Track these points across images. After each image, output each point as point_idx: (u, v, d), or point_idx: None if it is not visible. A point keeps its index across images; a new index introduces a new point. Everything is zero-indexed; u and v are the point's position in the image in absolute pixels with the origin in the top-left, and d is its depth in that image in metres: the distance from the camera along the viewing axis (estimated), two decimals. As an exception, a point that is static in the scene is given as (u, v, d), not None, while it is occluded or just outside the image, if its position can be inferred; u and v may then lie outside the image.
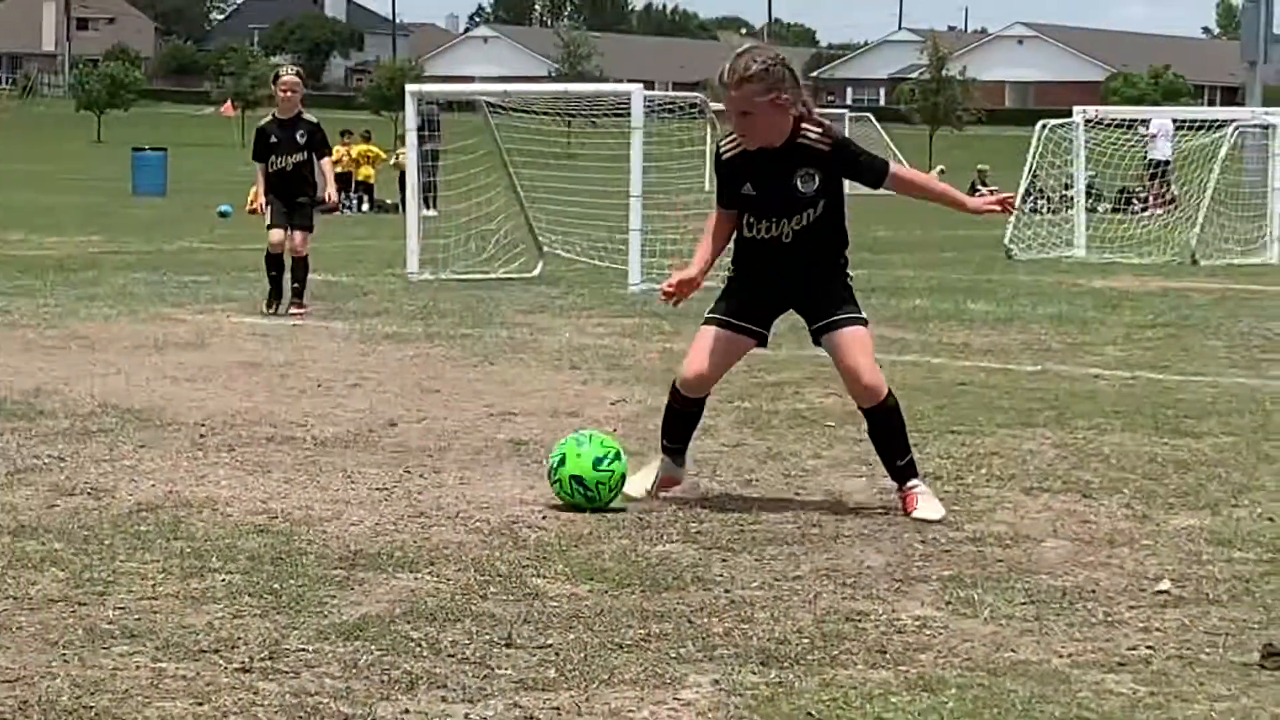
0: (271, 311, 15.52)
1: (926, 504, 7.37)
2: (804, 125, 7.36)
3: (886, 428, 7.49)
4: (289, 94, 16.25)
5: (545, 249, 21.57)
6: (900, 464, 7.48)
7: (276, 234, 15.96)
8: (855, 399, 7.53)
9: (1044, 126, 27.84)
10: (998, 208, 7.66)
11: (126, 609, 5.72)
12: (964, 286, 19.75)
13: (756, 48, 7.40)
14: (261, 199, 16.51)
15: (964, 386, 11.33)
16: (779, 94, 7.23)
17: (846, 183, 7.46)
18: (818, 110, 7.56)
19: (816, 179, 7.35)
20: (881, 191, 7.74)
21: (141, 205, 40.09)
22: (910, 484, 7.45)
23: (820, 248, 7.45)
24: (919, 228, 34.04)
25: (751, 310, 7.53)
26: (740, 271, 7.59)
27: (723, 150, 7.54)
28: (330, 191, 16.44)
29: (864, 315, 7.52)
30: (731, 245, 7.63)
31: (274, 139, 16.13)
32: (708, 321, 7.60)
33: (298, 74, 16.79)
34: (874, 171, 7.49)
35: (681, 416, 7.72)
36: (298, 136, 16.08)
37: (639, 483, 7.68)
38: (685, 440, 7.78)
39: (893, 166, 7.58)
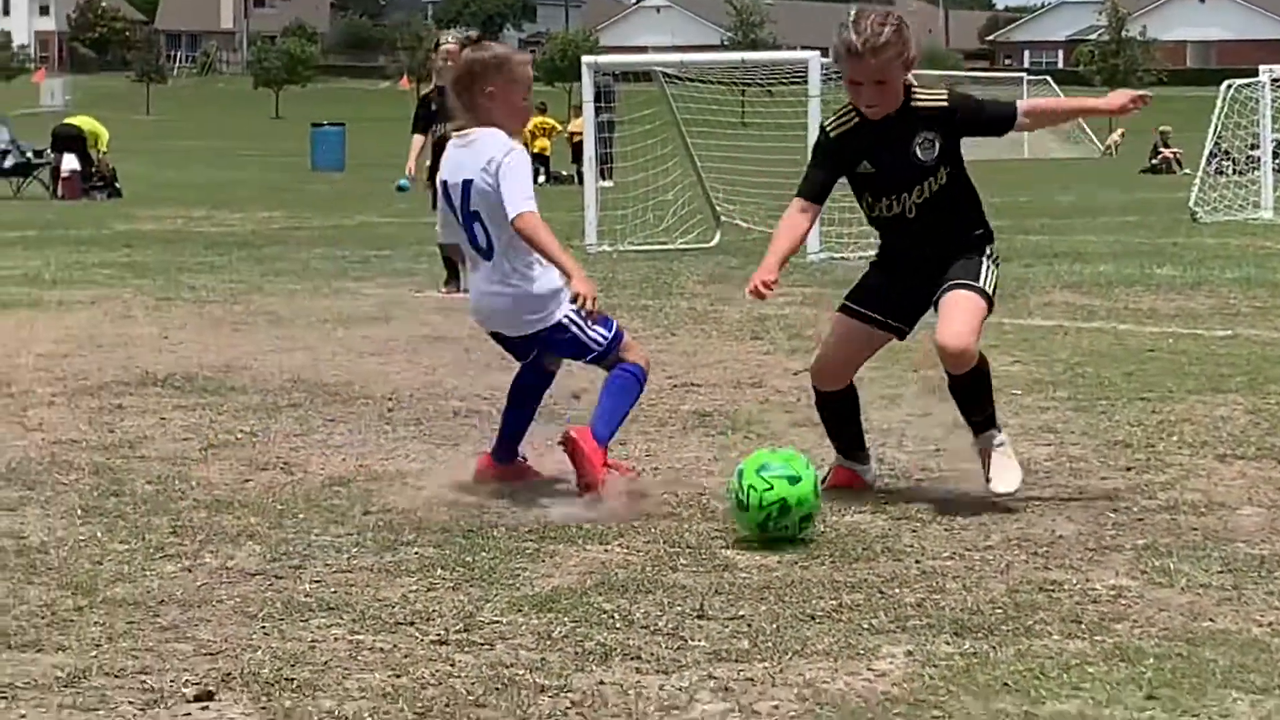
0: (450, 291, 15.56)
1: (1001, 471, 6.91)
2: (913, 88, 6.97)
3: (970, 390, 7.02)
4: (449, 62, 16.26)
5: (723, 219, 21.54)
6: (976, 419, 7.04)
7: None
8: (941, 362, 7.02)
9: (1229, 86, 27.37)
10: (1133, 104, 7.04)
11: (323, 582, 5.80)
12: (1148, 250, 19.46)
13: (870, 12, 6.91)
14: (412, 168, 15.88)
15: (1152, 353, 11.18)
16: (908, 55, 6.86)
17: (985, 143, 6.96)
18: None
19: (936, 144, 6.91)
20: (1016, 154, 7.44)
21: (320, 180, 40.59)
22: (988, 434, 7.00)
23: (949, 222, 7.01)
24: (1100, 191, 33.59)
25: (887, 299, 7.13)
26: (880, 249, 7.29)
27: (830, 129, 7.11)
28: None
29: (985, 287, 6.98)
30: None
31: (434, 106, 16.17)
32: (841, 308, 7.28)
33: (457, 40, 16.76)
34: (1002, 118, 7.03)
35: (827, 410, 7.29)
36: None
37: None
38: (847, 437, 7.27)
39: (1020, 104, 7.11)
